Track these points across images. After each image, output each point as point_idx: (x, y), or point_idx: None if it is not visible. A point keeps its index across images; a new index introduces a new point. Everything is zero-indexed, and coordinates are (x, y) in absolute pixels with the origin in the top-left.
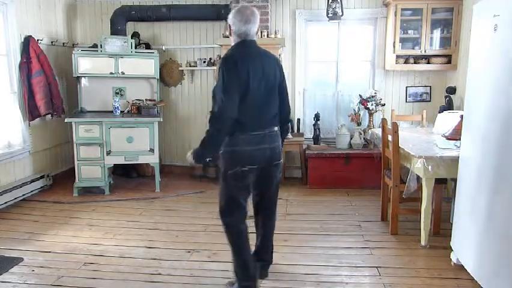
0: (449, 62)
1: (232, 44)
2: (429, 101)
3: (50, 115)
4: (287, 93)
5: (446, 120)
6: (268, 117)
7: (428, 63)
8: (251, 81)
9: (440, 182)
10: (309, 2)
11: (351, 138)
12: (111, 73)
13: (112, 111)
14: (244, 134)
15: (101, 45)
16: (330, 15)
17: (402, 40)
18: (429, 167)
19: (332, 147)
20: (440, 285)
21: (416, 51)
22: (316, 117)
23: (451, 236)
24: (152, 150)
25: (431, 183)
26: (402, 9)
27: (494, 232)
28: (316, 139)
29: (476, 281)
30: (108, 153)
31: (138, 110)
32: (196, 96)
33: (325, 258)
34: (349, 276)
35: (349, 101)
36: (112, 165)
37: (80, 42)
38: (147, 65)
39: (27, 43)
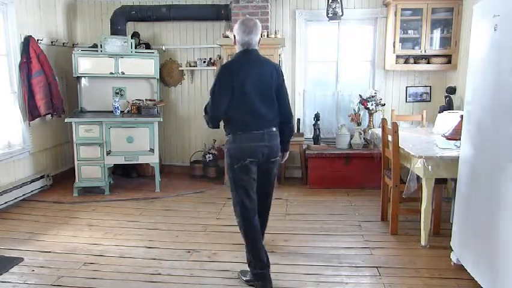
0: (449, 62)
1: (237, 51)
2: (429, 101)
3: (50, 115)
4: (287, 97)
5: (446, 120)
6: (267, 118)
7: (428, 63)
8: (246, 86)
9: (440, 182)
10: (309, 2)
11: (351, 138)
12: (111, 73)
13: (112, 111)
14: (246, 133)
15: (101, 45)
16: (330, 15)
17: (402, 40)
18: (429, 167)
19: (332, 147)
20: (440, 285)
21: (416, 51)
22: (316, 117)
23: (450, 236)
24: (152, 150)
25: (431, 183)
26: (402, 9)
27: (494, 232)
28: (316, 139)
29: (476, 281)
30: (108, 153)
31: (138, 110)
32: (196, 96)
33: (325, 258)
34: (349, 276)
35: (349, 101)
36: (112, 165)
37: (80, 42)
38: (147, 65)
39: (27, 43)
